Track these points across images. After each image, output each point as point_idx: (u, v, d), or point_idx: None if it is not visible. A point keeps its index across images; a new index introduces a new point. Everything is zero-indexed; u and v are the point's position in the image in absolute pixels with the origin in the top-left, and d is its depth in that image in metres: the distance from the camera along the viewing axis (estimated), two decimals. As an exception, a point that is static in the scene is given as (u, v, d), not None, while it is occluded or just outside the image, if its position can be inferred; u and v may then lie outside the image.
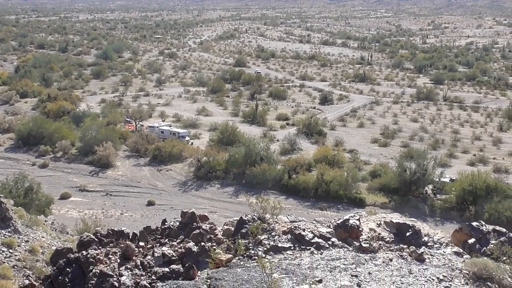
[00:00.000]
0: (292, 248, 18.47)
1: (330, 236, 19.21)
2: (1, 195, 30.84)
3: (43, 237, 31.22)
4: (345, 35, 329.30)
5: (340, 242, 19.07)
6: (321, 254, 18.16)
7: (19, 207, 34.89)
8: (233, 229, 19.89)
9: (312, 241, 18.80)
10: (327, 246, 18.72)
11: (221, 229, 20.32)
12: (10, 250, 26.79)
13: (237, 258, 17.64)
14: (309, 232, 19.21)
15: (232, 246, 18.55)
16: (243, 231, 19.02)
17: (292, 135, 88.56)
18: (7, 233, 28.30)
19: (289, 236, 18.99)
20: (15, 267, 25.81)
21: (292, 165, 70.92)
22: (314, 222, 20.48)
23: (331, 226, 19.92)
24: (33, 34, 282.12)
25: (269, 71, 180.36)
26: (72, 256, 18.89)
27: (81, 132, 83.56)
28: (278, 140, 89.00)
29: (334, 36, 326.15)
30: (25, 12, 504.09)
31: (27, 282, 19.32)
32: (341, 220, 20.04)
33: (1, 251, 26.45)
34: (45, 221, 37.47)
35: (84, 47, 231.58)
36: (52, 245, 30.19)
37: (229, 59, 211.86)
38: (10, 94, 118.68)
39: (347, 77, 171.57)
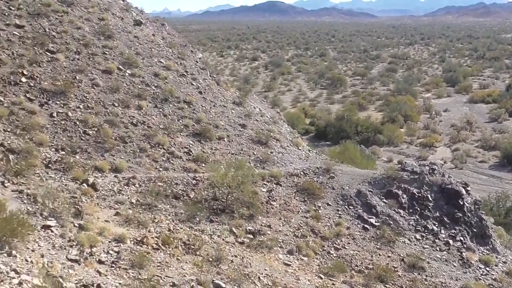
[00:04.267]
0: None
1: None
2: (483, 212, 31.23)
3: (521, 261, 30.22)
4: None
5: None
6: None
7: (499, 226, 34.72)
8: None
9: None
10: None
11: None
12: (487, 268, 26.91)
13: None
14: None
15: None
16: None
17: None
18: (485, 251, 28.52)
19: None
20: (490, 286, 25.80)
21: None
22: None
23: None
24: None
25: None
26: None
27: None
28: None
29: None
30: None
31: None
32: None
33: (478, 268, 26.83)
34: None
35: None
36: None
37: None
38: (499, 112, 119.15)
39: None
